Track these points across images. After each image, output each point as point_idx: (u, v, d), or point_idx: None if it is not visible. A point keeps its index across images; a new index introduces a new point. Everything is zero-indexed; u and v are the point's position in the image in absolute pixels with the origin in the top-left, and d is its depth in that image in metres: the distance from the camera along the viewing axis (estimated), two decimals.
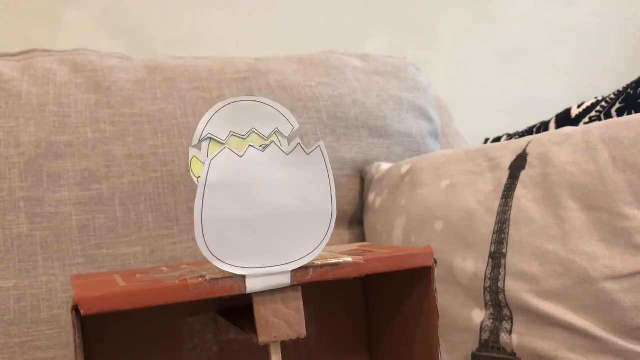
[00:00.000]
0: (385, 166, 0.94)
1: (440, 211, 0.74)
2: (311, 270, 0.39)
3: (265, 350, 0.49)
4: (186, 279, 0.36)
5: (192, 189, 0.86)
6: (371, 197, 0.92)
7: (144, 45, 1.23)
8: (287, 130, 0.39)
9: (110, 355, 0.44)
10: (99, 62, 0.92)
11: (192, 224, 0.85)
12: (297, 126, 0.39)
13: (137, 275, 0.42)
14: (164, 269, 0.46)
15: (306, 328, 0.49)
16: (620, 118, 0.64)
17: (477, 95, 1.54)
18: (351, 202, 0.98)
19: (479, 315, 0.66)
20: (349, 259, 0.40)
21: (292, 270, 0.38)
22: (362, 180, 0.98)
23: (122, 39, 1.22)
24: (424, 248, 0.43)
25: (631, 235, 0.59)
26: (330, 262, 0.39)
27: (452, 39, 1.51)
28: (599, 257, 0.60)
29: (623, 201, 0.60)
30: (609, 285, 0.59)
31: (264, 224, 0.37)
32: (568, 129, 0.69)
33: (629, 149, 0.61)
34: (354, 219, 0.97)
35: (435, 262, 0.43)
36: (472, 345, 0.66)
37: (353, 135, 1.00)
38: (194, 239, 0.84)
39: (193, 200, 0.86)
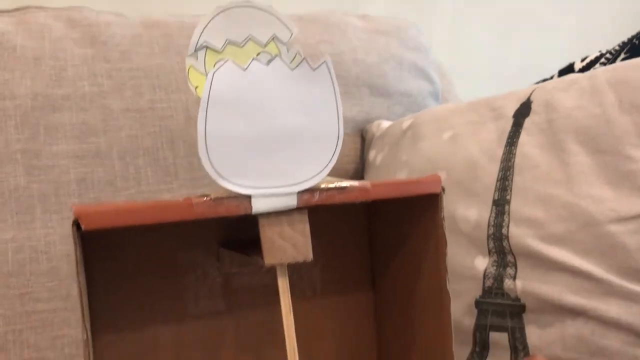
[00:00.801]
0: (385, 124, 0.93)
1: (442, 163, 0.73)
2: (317, 193, 0.38)
3: (267, 285, 0.49)
4: (190, 198, 0.36)
5: (190, 144, 0.85)
6: (372, 154, 0.91)
7: (140, 7, 1.21)
8: (285, 37, 0.38)
9: (112, 282, 0.44)
10: (95, 17, 0.90)
11: (191, 179, 0.84)
12: (295, 32, 0.38)
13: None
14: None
15: (309, 265, 0.48)
16: (627, 61, 0.63)
17: (477, 62, 1.53)
18: (352, 161, 0.97)
19: (481, 263, 0.66)
20: (356, 183, 0.39)
21: (299, 192, 0.38)
22: (363, 139, 0.97)
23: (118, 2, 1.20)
24: (432, 175, 0.42)
25: (637, 178, 0.59)
26: (337, 185, 0.39)
27: (452, 4, 1.50)
28: (604, 200, 0.60)
29: (629, 143, 0.59)
30: (613, 228, 0.59)
31: (269, 143, 0.36)
32: (573, 75, 0.68)
33: (636, 90, 0.60)
34: (355, 178, 0.96)
35: (443, 189, 0.42)
36: (475, 292, 0.66)
37: (353, 93, 0.98)
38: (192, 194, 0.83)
39: (192, 156, 0.85)
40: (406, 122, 0.86)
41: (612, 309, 0.59)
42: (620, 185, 0.59)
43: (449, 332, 0.42)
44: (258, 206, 0.37)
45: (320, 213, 0.49)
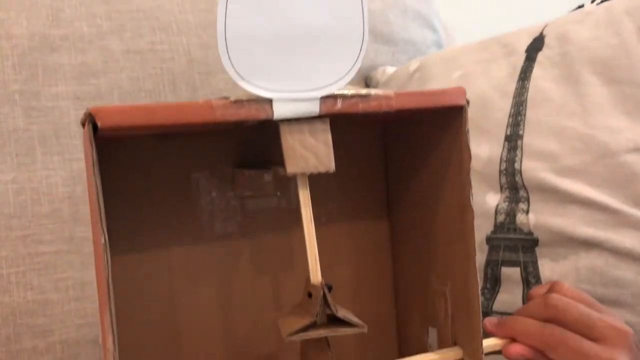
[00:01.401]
0: (390, 69, 0.91)
1: None
2: (340, 100, 0.37)
3: (283, 209, 0.48)
4: (210, 100, 0.34)
5: (193, 87, 0.83)
6: None
7: None
8: None
9: (125, 203, 0.42)
10: None
11: None
12: None
13: None
14: None
15: (325, 189, 0.47)
16: None
17: (480, 18, 1.51)
18: None
19: (493, 199, 0.65)
20: (380, 92, 0.38)
21: (321, 98, 0.36)
22: (367, 86, 0.95)
23: None
24: (456, 87, 0.40)
25: None
26: (360, 92, 0.37)
27: None
28: (621, 130, 0.59)
29: None
30: (630, 158, 0.58)
31: (292, 42, 0.35)
32: (587, 8, 0.66)
33: None
34: None
35: (468, 102, 0.41)
36: (487, 229, 0.65)
37: None
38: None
39: (195, 99, 0.83)
40: (413, 65, 0.84)
41: (627, 239, 0.58)
42: (638, 114, 0.58)
43: (472, 250, 0.41)
44: (279, 111, 0.36)
45: (336, 138, 0.47)
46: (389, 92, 0.38)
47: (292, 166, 0.37)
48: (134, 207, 0.43)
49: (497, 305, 0.63)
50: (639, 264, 0.58)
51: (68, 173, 0.74)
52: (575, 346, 0.43)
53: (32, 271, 0.70)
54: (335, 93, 0.36)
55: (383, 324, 0.51)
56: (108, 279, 0.32)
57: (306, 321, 0.37)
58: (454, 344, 0.45)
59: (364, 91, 0.37)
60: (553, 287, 0.47)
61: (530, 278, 0.61)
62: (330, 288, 0.37)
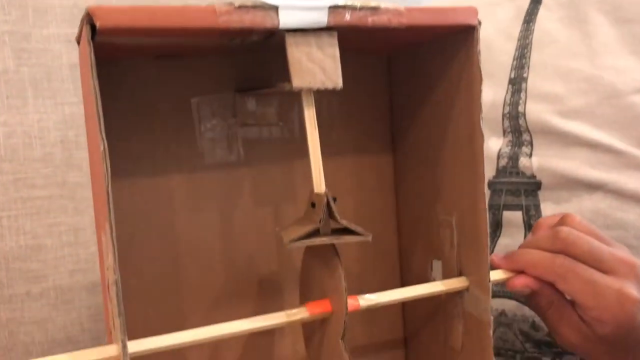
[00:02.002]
0: None
1: None
2: (349, 11, 0.35)
3: (285, 140, 0.46)
4: (213, 5, 0.33)
5: None
6: None
7: None
8: None
9: (125, 128, 0.41)
10: None
11: None
12: None
13: None
14: None
15: (329, 122, 0.46)
16: None
17: None
18: None
19: (495, 144, 0.64)
20: (390, 5, 0.36)
21: (329, 7, 0.35)
22: None
23: None
24: (467, 6, 0.39)
25: None
26: (369, 4, 0.36)
27: None
28: (628, 70, 0.58)
29: None
30: (637, 99, 0.57)
31: None
32: None
33: None
34: None
35: (479, 22, 0.39)
36: (489, 173, 0.64)
37: None
38: None
39: None
40: None
41: (631, 181, 0.57)
42: None
43: (481, 176, 0.40)
44: (285, 20, 0.34)
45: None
46: (399, 6, 0.37)
47: (298, 80, 0.35)
48: (133, 132, 0.42)
49: (498, 249, 0.62)
50: None
51: (60, 117, 0.72)
52: (586, 276, 0.42)
53: (24, 216, 0.69)
54: (344, 4, 0.35)
55: (386, 257, 0.50)
56: (108, 190, 0.31)
57: (309, 228, 0.35)
58: (459, 275, 0.44)
59: (373, 3, 0.36)
60: (564, 219, 0.46)
61: (532, 222, 0.60)
62: (334, 199, 0.36)
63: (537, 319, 0.60)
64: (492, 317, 0.41)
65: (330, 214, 0.36)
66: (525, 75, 0.63)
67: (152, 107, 0.42)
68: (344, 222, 0.36)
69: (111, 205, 0.31)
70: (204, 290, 0.44)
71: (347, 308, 0.37)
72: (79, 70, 0.74)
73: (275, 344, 0.46)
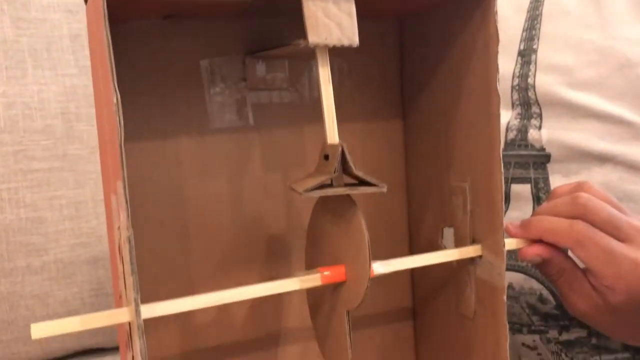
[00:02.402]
0: None
1: None
2: None
3: (295, 104, 0.45)
4: None
5: None
6: None
7: None
8: None
9: (132, 90, 0.40)
10: None
11: None
12: None
13: None
14: None
15: (338, 85, 0.45)
16: None
17: None
18: None
19: (504, 117, 0.63)
20: None
21: None
22: None
23: None
24: None
25: None
26: None
27: None
28: None
29: None
30: None
31: None
32: None
33: None
34: None
35: None
36: None
37: None
38: None
39: None
40: None
41: None
42: None
43: (497, 139, 0.39)
44: None
45: None
46: None
47: (314, 36, 0.34)
48: (140, 94, 0.41)
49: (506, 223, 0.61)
50: None
51: (61, 89, 0.71)
52: (604, 244, 0.42)
53: (25, 188, 0.68)
54: None
55: (394, 226, 0.49)
56: (121, 144, 0.30)
57: (323, 178, 0.35)
58: (472, 241, 0.43)
59: None
60: (581, 186, 0.45)
61: (541, 194, 0.60)
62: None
63: (545, 292, 0.60)
64: (505, 284, 0.41)
65: (344, 164, 0.35)
66: (535, 47, 0.62)
67: (160, 70, 0.41)
68: (360, 173, 0.35)
69: (124, 161, 0.30)
70: (213, 254, 0.43)
71: (370, 272, 0.36)
72: (80, 41, 0.72)
73: (284, 305, 0.46)
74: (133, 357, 0.34)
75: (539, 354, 0.61)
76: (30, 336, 0.66)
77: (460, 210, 0.44)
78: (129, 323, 0.34)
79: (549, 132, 0.60)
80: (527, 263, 0.59)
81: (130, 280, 0.31)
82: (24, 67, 0.70)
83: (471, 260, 0.43)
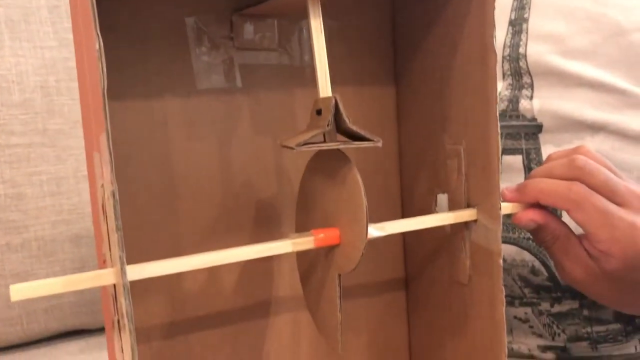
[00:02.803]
0: None
1: None
2: None
3: (284, 66, 0.44)
4: None
5: None
6: None
7: None
8: None
9: (116, 50, 0.38)
10: None
11: None
12: None
13: None
14: None
15: (329, 48, 0.43)
16: None
17: None
18: None
19: None
20: None
21: None
22: None
23: None
24: None
25: None
26: None
27: None
28: (634, 7, 0.56)
29: None
30: None
31: None
32: None
33: None
34: None
35: None
36: None
37: None
38: None
39: None
40: None
41: (634, 121, 0.56)
42: None
43: (494, 98, 0.38)
44: None
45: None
46: None
47: None
48: (124, 52, 0.39)
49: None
50: None
51: (40, 62, 0.69)
52: (601, 206, 0.41)
53: (3, 163, 0.66)
54: None
55: (386, 193, 0.48)
56: (104, 93, 0.28)
57: (317, 132, 0.33)
58: (467, 206, 0.42)
59: None
60: (578, 149, 0.44)
61: (533, 165, 0.59)
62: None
63: (537, 264, 0.59)
64: (501, 247, 0.40)
65: (338, 118, 0.34)
66: (526, 16, 0.61)
67: (144, 27, 0.40)
68: (354, 127, 0.34)
69: (107, 111, 0.28)
70: (200, 219, 0.41)
71: (367, 233, 0.35)
72: (58, 13, 0.70)
73: (274, 273, 0.44)
74: (118, 321, 0.32)
75: (530, 327, 0.60)
76: (10, 317, 0.63)
77: (455, 174, 0.43)
78: (114, 286, 0.32)
79: (540, 102, 0.59)
80: (519, 234, 0.59)
81: (114, 237, 0.29)
82: (1, 39, 0.67)
83: (466, 225, 0.42)
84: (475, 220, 0.42)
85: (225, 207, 0.42)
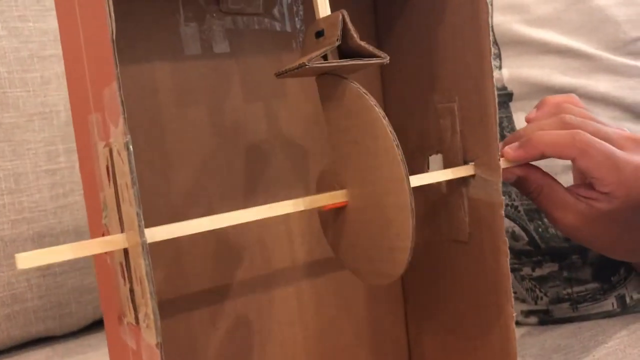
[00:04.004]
0: None
1: None
2: None
3: (273, 31, 0.43)
4: None
5: None
6: None
7: None
8: None
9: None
10: None
11: None
12: None
13: None
14: None
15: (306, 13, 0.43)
16: None
17: None
18: None
19: None
20: None
21: None
22: None
23: None
24: None
25: None
26: None
27: None
28: None
29: None
30: (602, 2, 0.58)
31: None
32: None
33: None
34: None
35: None
36: None
37: None
38: None
39: None
40: None
41: (600, 84, 0.58)
42: None
43: (487, 49, 0.39)
44: None
45: None
46: None
47: None
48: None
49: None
50: (612, 108, 0.58)
51: None
52: (607, 151, 0.42)
53: None
54: None
55: None
56: (112, 37, 0.27)
57: (326, 47, 0.32)
58: (464, 163, 0.42)
59: None
60: (569, 99, 0.45)
61: (506, 133, 0.60)
62: None
63: (517, 229, 0.60)
64: (503, 198, 0.40)
65: (344, 34, 0.33)
66: None
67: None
68: (363, 43, 0.33)
69: (116, 58, 0.27)
70: (194, 186, 0.40)
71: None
72: (7, 1, 0.66)
73: (275, 247, 0.43)
74: (132, 289, 0.30)
75: (514, 292, 0.61)
76: None
77: (449, 132, 0.43)
78: (124, 252, 0.30)
79: (509, 71, 0.60)
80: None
81: (130, 193, 0.27)
82: None
83: (464, 182, 0.42)
84: (473, 176, 0.42)
85: (219, 174, 0.40)
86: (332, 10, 0.42)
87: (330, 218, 0.39)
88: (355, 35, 0.33)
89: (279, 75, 0.35)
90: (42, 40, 0.67)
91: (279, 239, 0.43)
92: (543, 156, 0.43)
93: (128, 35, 0.38)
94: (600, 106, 0.58)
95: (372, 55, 0.33)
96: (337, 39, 0.32)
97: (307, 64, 0.31)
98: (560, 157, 0.43)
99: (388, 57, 0.34)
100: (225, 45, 0.41)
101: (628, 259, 0.51)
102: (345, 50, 0.34)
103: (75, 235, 0.66)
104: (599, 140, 0.42)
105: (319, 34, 0.34)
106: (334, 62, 0.33)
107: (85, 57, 0.31)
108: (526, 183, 0.44)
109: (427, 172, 0.46)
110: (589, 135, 0.42)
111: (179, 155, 0.39)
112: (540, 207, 0.45)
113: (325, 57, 0.34)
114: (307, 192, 0.43)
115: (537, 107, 0.47)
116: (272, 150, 0.42)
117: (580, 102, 0.45)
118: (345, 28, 0.32)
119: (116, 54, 0.27)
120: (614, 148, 0.42)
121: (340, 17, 0.32)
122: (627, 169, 0.42)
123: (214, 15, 0.40)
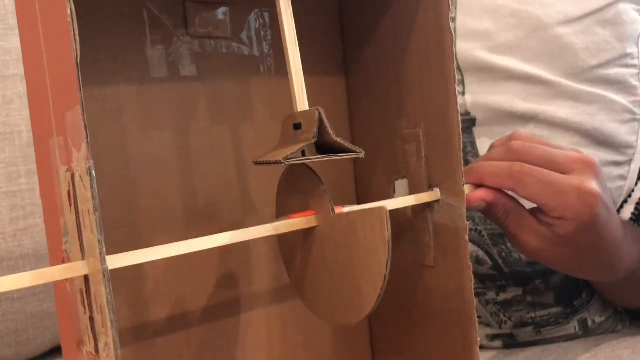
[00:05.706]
0: None
1: None
2: None
3: (242, 55, 0.43)
4: None
5: None
6: None
7: None
8: None
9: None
10: None
11: None
12: None
13: None
14: None
15: (275, 40, 0.43)
16: None
17: None
18: None
19: None
20: None
21: None
22: None
23: None
24: None
25: None
26: None
27: None
28: (552, 3, 0.60)
29: None
30: (562, 30, 0.60)
31: None
32: None
33: None
34: None
35: None
36: None
37: None
38: None
39: None
40: None
41: (561, 110, 0.60)
42: None
43: (452, 78, 0.39)
44: None
45: None
46: None
47: None
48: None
49: None
50: (572, 133, 0.60)
51: None
52: (544, 178, 0.43)
53: None
54: None
55: (342, 187, 0.48)
56: (77, 60, 0.26)
57: (302, 144, 0.33)
58: (429, 189, 0.43)
59: None
60: (512, 136, 0.47)
61: (470, 158, 0.61)
62: None
63: (481, 253, 0.61)
64: (467, 223, 0.41)
65: (321, 130, 0.33)
66: (453, 15, 0.64)
67: (97, 12, 0.37)
68: (338, 139, 0.34)
69: (80, 81, 0.26)
70: (158, 213, 0.39)
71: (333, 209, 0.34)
72: None
73: (247, 269, 0.43)
74: (92, 318, 0.29)
75: (478, 317, 0.62)
76: None
77: (414, 158, 0.44)
78: (85, 279, 0.29)
79: (472, 97, 0.62)
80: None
81: (92, 219, 0.27)
82: None
83: (429, 207, 0.43)
84: (437, 201, 0.42)
85: (183, 201, 0.40)
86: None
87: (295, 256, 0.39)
88: (332, 132, 0.34)
89: (257, 164, 0.35)
90: (5, 60, 0.65)
91: (244, 264, 0.43)
92: (483, 184, 0.43)
93: (93, 56, 0.37)
94: (560, 132, 0.60)
95: (347, 151, 0.34)
96: (314, 137, 0.33)
97: (282, 161, 0.32)
98: (500, 188, 0.43)
99: (364, 152, 0.35)
100: (193, 68, 0.41)
101: (594, 279, 0.52)
102: (322, 145, 0.35)
103: (35, 260, 0.64)
104: (536, 169, 0.43)
105: (297, 126, 0.34)
106: (311, 158, 0.33)
107: (49, 79, 0.31)
108: (495, 208, 0.45)
109: (393, 196, 0.46)
110: (527, 166, 0.43)
111: (143, 180, 0.38)
112: (507, 231, 0.46)
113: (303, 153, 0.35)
114: (274, 217, 0.43)
115: (488, 151, 0.48)
116: (239, 175, 0.42)
117: (524, 133, 0.47)
118: (321, 125, 0.33)
119: (80, 77, 0.26)
120: (553, 173, 0.43)
121: (317, 115, 0.33)
122: (569, 192, 0.43)
123: (182, 38, 0.40)
